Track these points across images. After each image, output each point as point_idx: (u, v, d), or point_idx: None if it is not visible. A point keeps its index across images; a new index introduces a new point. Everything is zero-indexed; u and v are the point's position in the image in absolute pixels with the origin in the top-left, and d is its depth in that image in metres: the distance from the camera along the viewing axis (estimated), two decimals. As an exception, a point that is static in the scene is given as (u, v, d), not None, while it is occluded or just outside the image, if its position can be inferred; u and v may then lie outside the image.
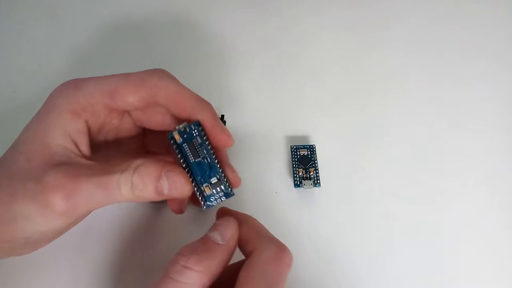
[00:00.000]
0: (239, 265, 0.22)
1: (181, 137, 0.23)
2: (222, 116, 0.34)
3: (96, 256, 0.29)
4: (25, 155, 0.22)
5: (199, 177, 0.24)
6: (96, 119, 0.24)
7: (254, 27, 0.42)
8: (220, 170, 0.24)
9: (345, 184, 0.32)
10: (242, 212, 0.25)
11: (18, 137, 0.24)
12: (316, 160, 0.33)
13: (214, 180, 0.24)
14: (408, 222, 0.31)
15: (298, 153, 0.33)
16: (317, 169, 0.32)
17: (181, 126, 0.24)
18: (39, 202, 0.21)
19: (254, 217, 0.24)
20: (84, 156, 0.23)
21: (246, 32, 0.41)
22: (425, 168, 0.33)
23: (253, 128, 0.35)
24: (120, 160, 0.27)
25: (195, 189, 0.23)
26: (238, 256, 0.23)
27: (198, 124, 0.24)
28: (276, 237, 0.23)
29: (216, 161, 0.23)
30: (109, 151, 0.27)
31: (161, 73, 0.25)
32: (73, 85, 0.24)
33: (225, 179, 0.24)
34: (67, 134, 0.23)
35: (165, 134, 0.24)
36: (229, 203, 0.26)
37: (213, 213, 0.26)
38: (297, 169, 0.32)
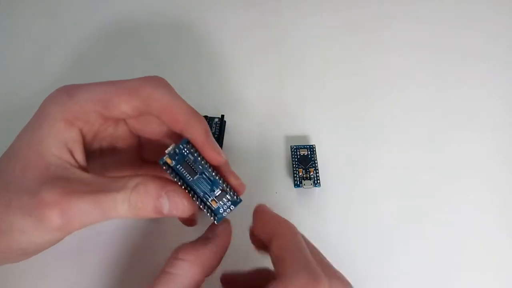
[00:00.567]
0: (261, 274, 0.22)
1: (173, 160, 0.22)
2: (222, 116, 0.34)
3: (94, 261, 0.29)
4: (21, 164, 0.22)
5: (202, 194, 0.23)
6: (90, 127, 0.24)
7: (254, 27, 0.42)
8: (221, 181, 0.23)
9: (345, 184, 0.32)
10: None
11: (12, 144, 0.23)
12: (316, 160, 0.33)
13: (218, 192, 0.23)
14: (408, 222, 0.31)
15: (298, 153, 0.33)
16: (317, 169, 0.32)
17: (170, 148, 0.23)
18: (34, 217, 0.21)
19: None
20: (80, 166, 0.23)
21: (246, 32, 0.41)
22: (425, 168, 0.33)
23: (253, 128, 0.35)
24: (117, 170, 0.26)
25: (201, 206, 0.23)
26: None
27: (187, 141, 0.23)
28: None
29: (214, 173, 0.23)
30: (105, 158, 0.26)
31: (156, 82, 0.24)
32: (66, 92, 0.23)
33: (229, 188, 0.23)
34: (62, 143, 0.22)
35: (161, 143, 0.24)
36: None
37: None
38: (297, 169, 0.32)
